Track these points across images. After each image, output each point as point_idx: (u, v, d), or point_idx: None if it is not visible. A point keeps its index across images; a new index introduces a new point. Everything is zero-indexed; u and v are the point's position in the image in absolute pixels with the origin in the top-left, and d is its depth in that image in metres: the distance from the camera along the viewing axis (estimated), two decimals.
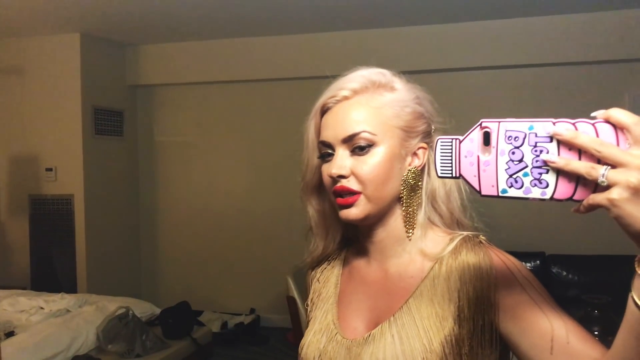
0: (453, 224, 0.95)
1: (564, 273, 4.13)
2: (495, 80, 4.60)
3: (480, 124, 0.63)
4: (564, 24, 4.26)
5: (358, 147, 0.89)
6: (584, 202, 0.58)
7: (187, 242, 5.42)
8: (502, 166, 0.61)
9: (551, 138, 0.59)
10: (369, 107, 0.90)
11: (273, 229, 5.11)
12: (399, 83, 0.94)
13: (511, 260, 0.86)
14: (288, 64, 4.92)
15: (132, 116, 5.44)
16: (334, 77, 0.96)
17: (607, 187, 0.56)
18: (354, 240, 1.05)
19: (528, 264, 4.04)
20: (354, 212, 0.90)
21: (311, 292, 1.08)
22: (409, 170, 0.91)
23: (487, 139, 0.62)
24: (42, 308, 3.66)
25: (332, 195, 0.92)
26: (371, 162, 0.88)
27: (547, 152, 0.59)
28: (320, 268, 1.09)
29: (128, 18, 4.41)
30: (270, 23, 4.56)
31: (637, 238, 0.56)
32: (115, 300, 3.80)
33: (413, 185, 0.91)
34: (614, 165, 0.55)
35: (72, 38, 4.76)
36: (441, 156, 0.65)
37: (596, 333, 2.42)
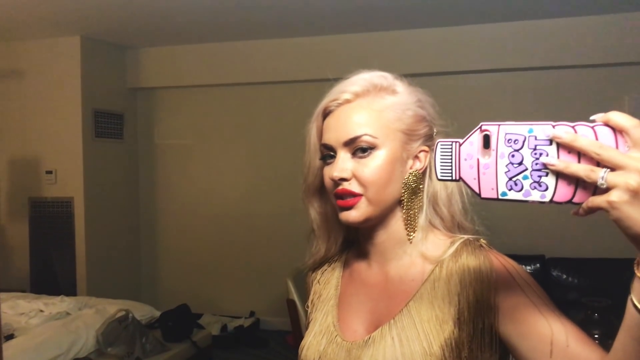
0: (454, 227, 0.95)
1: (564, 276, 4.12)
2: (496, 83, 4.61)
3: (480, 127, 0.63)
4: (565, 27, 4.27)
5: (360, 149, 0.89)
6: (584, 205, 0.58)
7: (187, 244, 5.42)
8: (501, 169, 0.61)
9: (551, 141, 0.59)
10: (370, 110, 0.90)
11: (273, 232, 5.11)
12: (400, 86, 0.94)
13: (511, 264, 0.87)
14: (289, 66, 4.93)
15: (132, 119, 5.44)
16: (336, 80, 0.96)
17: (607, 190, 0.56)
18: (355, 242, 1.05)
19: (528, 267, 4.04)
20: (354, 215, 0.90)
21: (311, 293, 1.09)
22: (410, 173, 0.92)
23: (487, 142, 0.62)
24: (41, 311, 3.65)
25: (333, 197, 0.92)
26: (373, 165, 0.89)
27: (547, 155, 0.59)
28: (321, 270, 1.09)
29: (128, 21, 4.42)
30: (271, 26, 4.56)
31: (636, 240, 0.56)
32: (115, 303, 3.79)
33: (414, 188, 0.92)
34: (613, 168, 0.56)
35: (73, 41, 4.77)
36: (441, 159, 0.66)
37: (596, 336, 2.42)
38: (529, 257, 4.13)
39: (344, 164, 0.90)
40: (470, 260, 0.88)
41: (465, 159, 0.64)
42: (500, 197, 0.62)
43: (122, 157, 5.33)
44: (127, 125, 5.34)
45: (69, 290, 4.65)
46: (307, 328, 1.04)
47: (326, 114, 0.95)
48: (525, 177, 0.60)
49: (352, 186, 0.89)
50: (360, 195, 0.89)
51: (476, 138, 0.63)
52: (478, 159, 0.63)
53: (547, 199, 0.60)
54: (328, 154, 0.93)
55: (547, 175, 0.59)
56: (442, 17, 4.29)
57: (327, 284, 1.06)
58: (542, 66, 4.41)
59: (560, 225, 4.07)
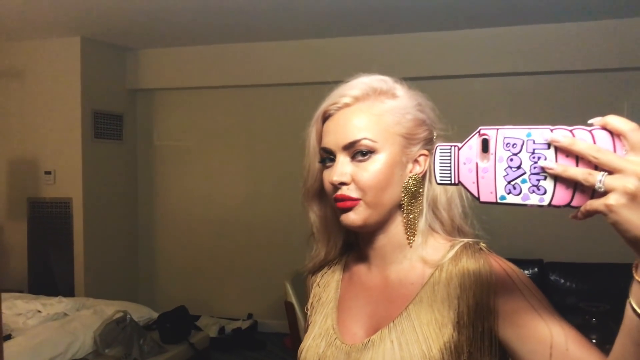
0: (454, 231, 0.95)
1: (562, 280, 4.13)
2: (494, 87, 4.62)
3: (479, 131, 0.63)
4: (564, 32, 4.28)
5: (359, 153, 0.89)
6: (582, 209, 0.58)
7: (185, 246, 5.42)
8: (500, 173, 0.61)
9: (549, 145, 0.59)
10: (370, 114, 0.90)
11: (272, 235, 5.10)
12: (400, 90, 0.94)
13: (511, 267, 0.87)
14: (289, 69, 4.93)
15: (131, 120, 5.44)
16: (336, 83, 0.96)
17: (605, 194, 0.56)
18: (355, 245, 1.05)
19: (526, 271, 4.02)
20: (352, 218, 0.90)
21: (311, 296, 1.08)
22: (409, 177, 0.92)
23: (485, 146, 0.62)
24: (39, 311, 3.65)
25: (333, 201, 0.92)
26: (372, 169, 0.89)
27: (545, 159, 0.59)
28: (321, 272, 1.09)
29: (128, 22, 4.42)
30: (271, 28, 4.57)
31: (635, 244, 0.56)
32: (112, 304, 3.79)
33: (414, 192, 0.92)
34: (611, 172, 0.56)
35: (73, 42, 4.77)
36: (440, 163, 0.66)
37: (594, 341, 2.41)
38: (527, 261, 4.13)
39: (343, 168, 0.90)
40: (470, 264, 0.88)
41: (464, 163, 0.64)
42: (499, 200, 0.62)
43: (121, 158, 5.33)
44: (126, 127, 5.34)
45: (67, 291, 4.65)
46: (306, 331, 1.04)
47: (326, 117, 0.95)
48: (523, 181, 0.60)
49: (351, 191, 0.90)
50: (358, 199, 0.89)
51: (475, 142, 0.63)
52: (477, 163, 0.63)
53: (545, 203, 0.60)
54: (327, 157, 0.93)
55: (545, 179, 0.59)
56: (441, 21, 4.30)
57: (327, 286, 1.06)
58: (541, 71, 4.42)
59: (558, 229, 4.07)
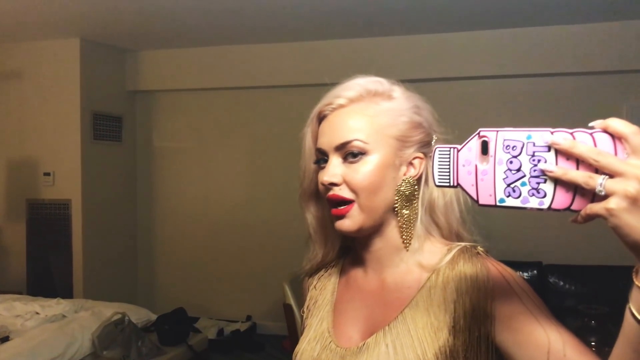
0: (452, 235, 0.94)
1: (561, 283, 4.12)
2: (494, 89, 4.62)
3: (479, 133, 0.62)
4: (563, 34, 4.28)
5: (350, 154, 0.89)
6: (582, 212, 0.58)
7: (184, 248, 5.41)
8: (499, 175, 0.60)
9: (549, 147, 0.59)
10: (363, 115, 0.90)
11: (270, 236, 5.10)
12: (397, 92, 0.94)
13: (508, 272, 0.86)
14: (288, 71, 4.93)
15: (131, 122, 5.44)
16: (334, 84, 0.96)
17: (605, 197, 0.55)
18: (352, 249, 1.04)
19: (525, 274, 4.04)
20: (347, 224, 0.90)
21: (307, 299, 1.08)
22: (403, 180, 0.91)
23: (485, 148, 0.62)
24: (37, 313, 3.64)
25: (328, 203, 0.92)
26: (363, 170, 0.88)
27: (545, 162, 0.59)
28: (318, 275, 1.08)
29: (128, 24, 4.42)
30: (270, 30, 4.57)
31: (635, 248, 0.56)
32: (111, 306, 3.78)
33: (408, 195, 0.91)
34: (611, 175, 0.55)
35: (72, 43, 4.77)
36: (439, 165, 0.65)
37: (593, 344, 2.42)
38: (526, 263, 4.12)
39: (334, 169, 0.90)
40: (467, 268, 0.87)
41: (463, 165, 0.63)
42: (498, 203, 0.61)
43: (120, 159, 5.32)
44: (125, 128, 5.34)
45: (66, 292, 4.64)
46: (302, 334, 1.04)
47: (321, 118, 0.95)
48: (523, 184, 0.60)
49: (343, 191, 0.89)
50: (352, 201, 0.89)
51: (474, 144, 0.63)
52: (476, 165, 0.62)
53: (545, 206, 0.59)
54: (322, 158, 0.93)
55: (545, 182, 0.59)
56: (440, 23, 4.30)
57: (324, 289, 1.05)
58: (540, 73, 4.42)
59: (557, 232, 4.06)
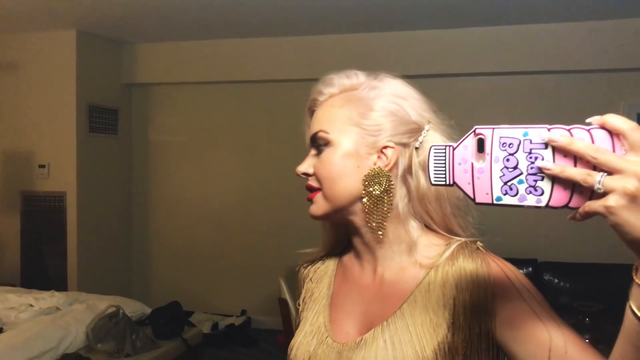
0: (446, 225, 0.92)
1: (556, 280, 4.13)
2: (491, 86, 4.62)
3: (474, 131, 0.62)
4: (561, 32, 4.28)
5: (317, 146, 0.94)
6: (580, 210, 0.57)
7: (180, 241, 5.40)
8: (496, 173, 0.60)
9: (546, 145, 0.58)
10: (330, 107, 0.94)
11: (266, 231, 5.10)
12: (373, 83, 0.93)
13: (509, 268, 0.85)
14: (285, 65, 4.92)
15: (126, 115, 5.42)
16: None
17: (604, 194, 0.54)
18: (350, 242, 1.03)
19: (520, 271, 4.04)
20: (312, 209, 0.94)
21: (303, 291, 1.07)
22: (371, 169, 0.90)
23: (481, 145, 0.61)
24: (31, 305, 3.63)
25: None
26: (324, 160, 0.92)
27: (542, 159, 0.58)
28: (314, 267, 1.08)
29: (125, 16, 4.40)
30: (267, 24, 4.55)
31: (635, 246, 0.55)
32: (105, 299, 3.77)
33: (375, 185, 0.89)
34: (610, 172, 0.54)
35: (68, 35, 4.74)
36: (434, 163, 0.64)
37: (587, 341, 2.42)
38: (522, 260, 4.14)
39: (307, 160, 0.96)
40: (467, 264, 0.86)
41: (459, 164, 0.62)
42: (495, 201, 0.60)
43: (115, 152, 5.30)
44: (121, 121, 5.32)
45: (60, 285, 4.62)
46: (297, 327, 1.03)
47: (311, 113, 0.99)
48: (520, 182, 0.59)
49: (312, 181, 0.95)
50: (318, 189, 0.93)
51: (470, 142, 0.62)
52: (472, 163, 0.61)
53: (543, 204, 0.58)
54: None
55: (542, 179, 0.58)
56: (438, 20, 4.29)
57: (320, 282, 1.04)
58: (538, 70, 4.42)
59: (553, 229, 4.07)
